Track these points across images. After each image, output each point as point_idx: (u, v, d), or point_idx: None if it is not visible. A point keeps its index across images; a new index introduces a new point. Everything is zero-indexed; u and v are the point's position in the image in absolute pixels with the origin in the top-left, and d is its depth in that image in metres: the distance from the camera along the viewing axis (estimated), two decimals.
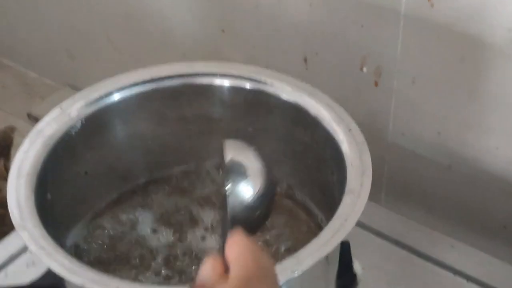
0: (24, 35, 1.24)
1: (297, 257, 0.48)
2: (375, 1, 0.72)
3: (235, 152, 0.47)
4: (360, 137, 0.57)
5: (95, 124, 0.61)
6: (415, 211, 0.78)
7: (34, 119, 0.78)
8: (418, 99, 0.76)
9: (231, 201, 0.46)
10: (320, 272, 0.56)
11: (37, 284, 0.60)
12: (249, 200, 0.47)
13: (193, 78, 0.64)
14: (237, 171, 0.46)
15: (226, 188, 0.45)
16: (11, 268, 0.69)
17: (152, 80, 0.63)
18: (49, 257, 0.49)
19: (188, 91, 0.65)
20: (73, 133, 0.59)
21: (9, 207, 0.52)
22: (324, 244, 0.49)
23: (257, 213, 0.47)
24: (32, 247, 0.49)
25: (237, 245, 0.40)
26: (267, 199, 0.47)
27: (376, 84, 0.78)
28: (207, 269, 0.39)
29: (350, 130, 0.57)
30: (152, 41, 1.01)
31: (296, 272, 0.47)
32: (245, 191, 0.46)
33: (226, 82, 0.64)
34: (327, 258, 0.50)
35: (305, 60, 0.83)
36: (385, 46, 0.75)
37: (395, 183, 0.83)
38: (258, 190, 0.46)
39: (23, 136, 0.60)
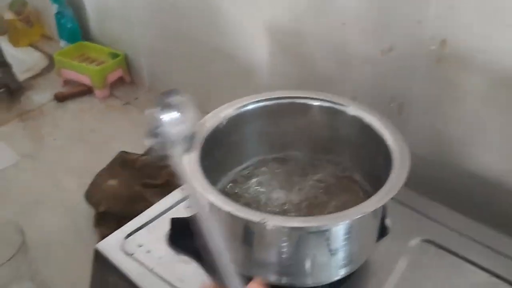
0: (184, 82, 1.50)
1: (363, 205, 0.61)
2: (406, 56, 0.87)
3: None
4: (402, 139, 0.69)
5: (234, 122, 0.76)
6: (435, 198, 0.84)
7: None
8: (427, 122, 0.90)
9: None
10: (371, 219, 0.68)
11: (191, 218, 0.62)
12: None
13: (294, 99, 0.79)
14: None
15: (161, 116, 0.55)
16: (175, 209, 0.86)
17: (270, 99, 0.79)
18: (208, 194, 0.62)
19: (291, 106, 0.79)
20: (221, 127, 0.75)
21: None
22: (377, 201, 0.61)
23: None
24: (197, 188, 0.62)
25: None
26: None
27: (399, 114, 0.94)
28: None
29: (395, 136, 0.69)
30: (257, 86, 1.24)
31: (364, 213, 0.60)
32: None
33: (315, 102, 0.79)
34: (375, 211, 0.61)
35: (354, 98, 0.85)
36: (406, 89, 0.90)
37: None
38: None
39: None
